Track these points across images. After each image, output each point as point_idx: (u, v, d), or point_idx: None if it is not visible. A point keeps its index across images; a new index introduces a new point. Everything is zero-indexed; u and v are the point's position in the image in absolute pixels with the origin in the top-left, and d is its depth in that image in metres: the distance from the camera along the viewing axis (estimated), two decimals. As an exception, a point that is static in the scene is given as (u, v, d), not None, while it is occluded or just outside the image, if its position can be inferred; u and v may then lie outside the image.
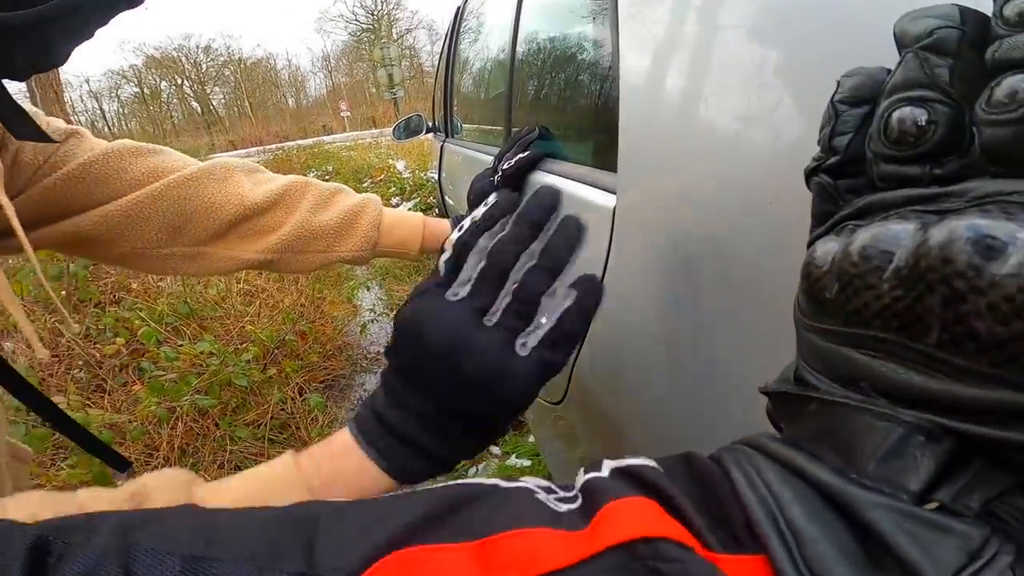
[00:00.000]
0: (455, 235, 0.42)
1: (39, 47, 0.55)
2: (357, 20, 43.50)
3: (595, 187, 0.68)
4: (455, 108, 2.48)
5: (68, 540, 0.22)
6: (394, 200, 5.35)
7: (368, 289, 4.11)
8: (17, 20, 0.48)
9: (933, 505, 0.20)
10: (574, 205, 0.72)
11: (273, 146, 14.94)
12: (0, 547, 0.21)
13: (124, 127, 42.45)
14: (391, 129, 3.45)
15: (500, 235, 0.40)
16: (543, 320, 0.39)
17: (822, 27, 0.35)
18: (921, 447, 0.20)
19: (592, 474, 0.25)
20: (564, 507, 0.24)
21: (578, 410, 0.73)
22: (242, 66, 47.66)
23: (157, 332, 2.47)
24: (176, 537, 0.23)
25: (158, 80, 43.58)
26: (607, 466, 0.26)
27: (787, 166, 0.36)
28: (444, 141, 2.39)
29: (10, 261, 2.66)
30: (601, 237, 0.61)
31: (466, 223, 0.42)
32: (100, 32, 0.57)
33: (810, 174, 0.27)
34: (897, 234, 0.20)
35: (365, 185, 6.21)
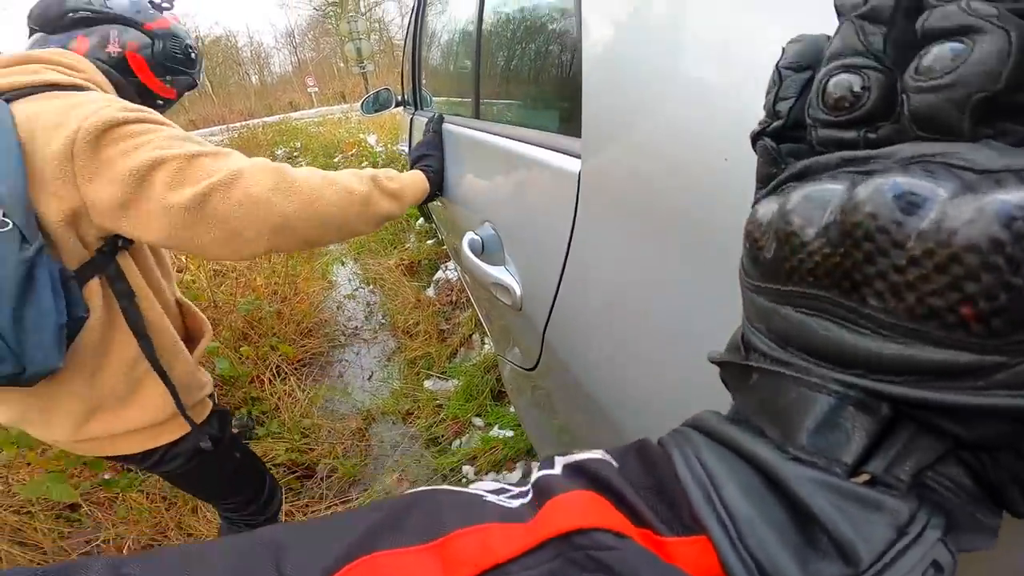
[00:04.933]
0: None
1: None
2: (322, -7, 42.26)
3: (559, 152, 0.67)
4: (423, 81, 2.44)
5: None
6: (367, 171, 5.28)
7: (343, 264, 4.07)
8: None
9: (864, 478, 0.20)
10: (540, 170, 0.72)
11: (237, 124, 14.48)
12: None
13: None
14: (359, 104, 3.39)
15: None
16: None
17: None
18: (852, 417, 0.20)
19: (544, 471, 0.26)
20: (516, 503, 0.25)
21: (552, 377, 0.74)
22: (200, 44, 46.15)
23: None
24: (160, 566, 0.23)
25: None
26: (559, 462, 0.26)
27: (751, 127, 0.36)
28: (413, 114, 2.36)
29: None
30: (567, 201, 0.61)
31: None
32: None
33: (755, 138, 0.27)
34: (827, 192, 0.21)
35: (336, 160, 6.10)
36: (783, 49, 0.26)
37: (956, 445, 0.20)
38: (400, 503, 0.26)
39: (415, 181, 1.09)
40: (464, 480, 1.89)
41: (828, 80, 0.23)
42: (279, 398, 2.30)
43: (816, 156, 0.23)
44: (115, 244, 0.88)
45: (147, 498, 1.77)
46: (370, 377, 2.58)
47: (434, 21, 2.23)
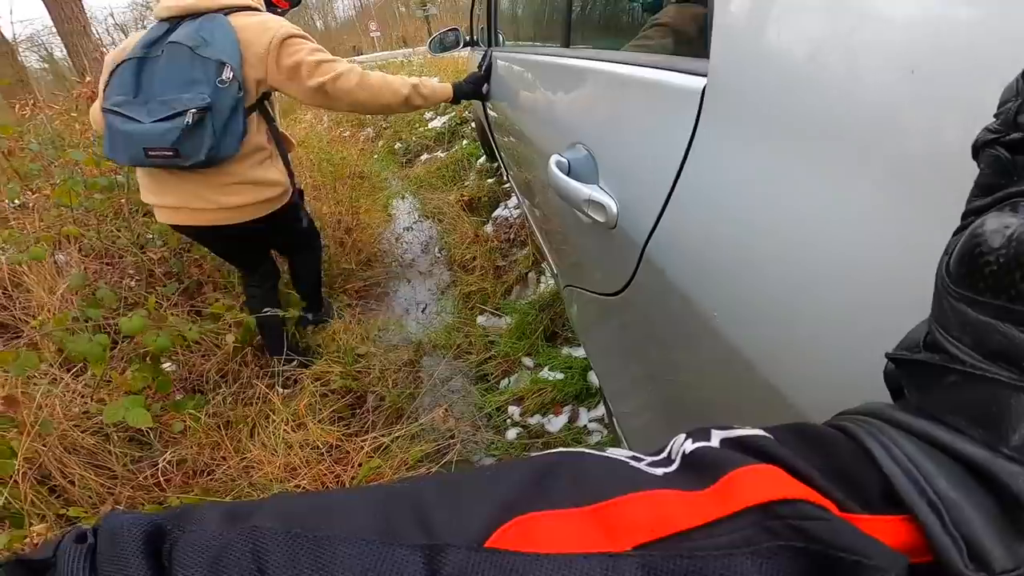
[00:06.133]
0: None
1: None
2: (389, -69, 41.42)
3: (677, 71, 0.66)
4: (497, 20, 2.41)
5: (182, 528, 0.22)
6: (427, 115, 5.28)
7: (403, 199, 4.13)
8: None
9: None
10: (651, 89, 0.71)
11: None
12: (119, 536, 0.22)
13: (152, 56, 41.98)
14: (426, 45, 3.37)
15: None
16: None
17: None
18: None
19: (700, 443, 0.26)
20: (660, 471, 0.25)
21: (644, 297, 0.73)
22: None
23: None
24: (292, 518, 0.23)
25: (183, 9, 42.52)
26: (716, 436, 0.27)
27: (926, 35, 0.35)
28: (489, 51, 2.32)
29: (57, 177, 2.70)
30: (684, 119, 0.60)
31: None
32: None
33: (983, 146, 0.26)
34: None
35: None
36: None
37: None
38: (542, 462, 0.26)
39: (444, 89, 1.80)
40: (508, 420, 1.92)
41: None
42: (338, 326, 2.38)
43: None
44: (264, 96, 1.67)
45: (211, 417, 1.83)
46: (424, 309, 2.63)
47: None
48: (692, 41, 0.72)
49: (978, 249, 0.23)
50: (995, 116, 0.26)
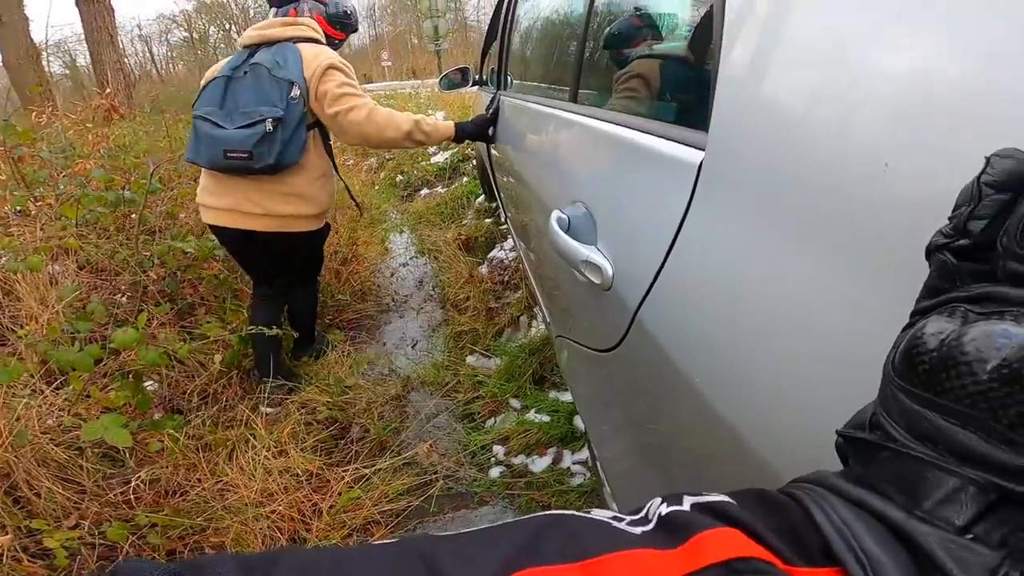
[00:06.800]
0: None
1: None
2: (406, -32, 42.49)
3: (676, 142, 0.68)
4: (509, 64, 2.48)
5: None
6: (431, 149, 5.35)
7: (401, 233, 4.16)
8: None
9: (969, 536, 0.25)
10: (651, 158, 0.73)
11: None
12: None
13: (172, 69, 42.19)
14: (435, 80, 3.45)
15: None
16: None
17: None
18: (972, 496, 0.25)
19: (674, 507, 0.30)
20: (639, 530, 0.29)
21: (635, 357, 0.75)
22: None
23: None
24: (305, 571, 0.25)
25: (207, 25, 43.08)
26: (687, 501, 0.30)
27: (914, 131, 0.37)
28: (498, 94, 2.38)
29: (60, 187, 2.72)
30: (681, 189, 0.63)
31: None
32: None
33: (935, 250, 0.29)
34: (1008, 336, 0.24)
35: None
36: (987, 160, 0.27)
37: None
38: (534, 523, 0.29)
39: (447, 127, 1.97)
40: (493, 459, 1.92)
41: None
42: (329, 356, 2.38)
43: (998, 285, 0.25)
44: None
45: (190, 439, 1.81)
46: (414, 345, 2.63)
47: (523, 5, 2.26)
48: (686, 106, 0.75)
49: (915, 349, 0.26)
50: (949, 219, 0.28)
